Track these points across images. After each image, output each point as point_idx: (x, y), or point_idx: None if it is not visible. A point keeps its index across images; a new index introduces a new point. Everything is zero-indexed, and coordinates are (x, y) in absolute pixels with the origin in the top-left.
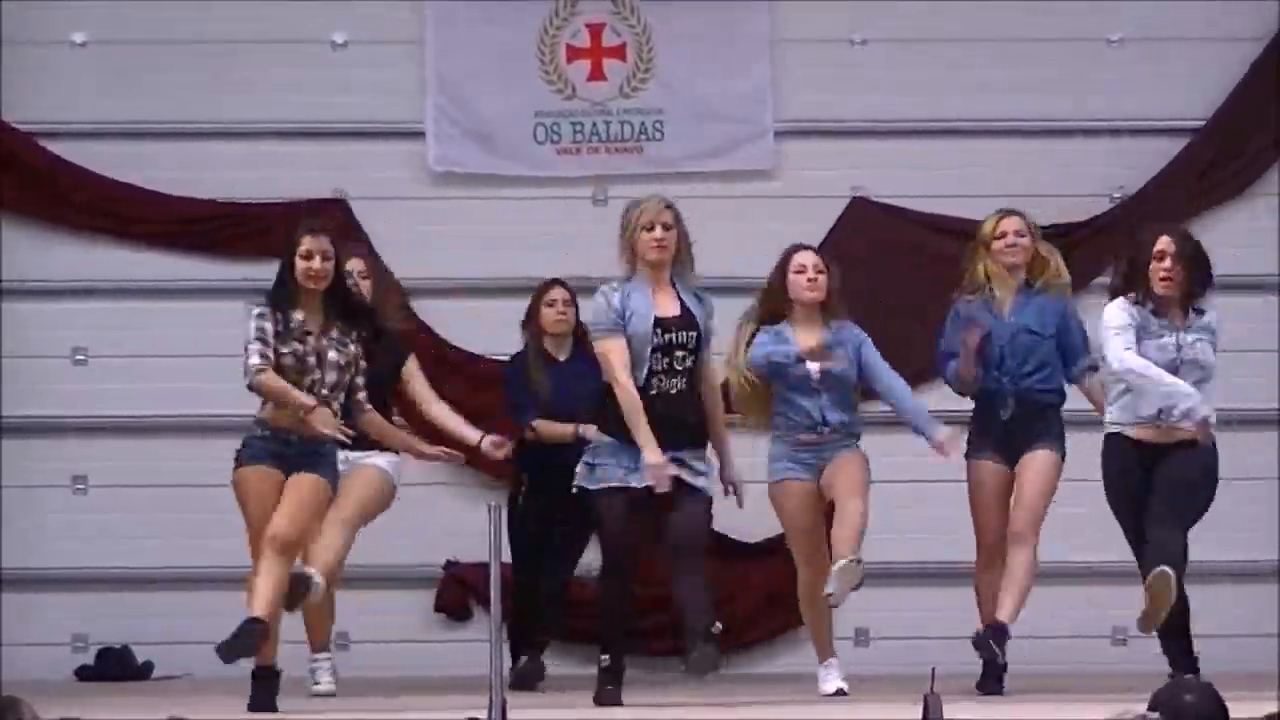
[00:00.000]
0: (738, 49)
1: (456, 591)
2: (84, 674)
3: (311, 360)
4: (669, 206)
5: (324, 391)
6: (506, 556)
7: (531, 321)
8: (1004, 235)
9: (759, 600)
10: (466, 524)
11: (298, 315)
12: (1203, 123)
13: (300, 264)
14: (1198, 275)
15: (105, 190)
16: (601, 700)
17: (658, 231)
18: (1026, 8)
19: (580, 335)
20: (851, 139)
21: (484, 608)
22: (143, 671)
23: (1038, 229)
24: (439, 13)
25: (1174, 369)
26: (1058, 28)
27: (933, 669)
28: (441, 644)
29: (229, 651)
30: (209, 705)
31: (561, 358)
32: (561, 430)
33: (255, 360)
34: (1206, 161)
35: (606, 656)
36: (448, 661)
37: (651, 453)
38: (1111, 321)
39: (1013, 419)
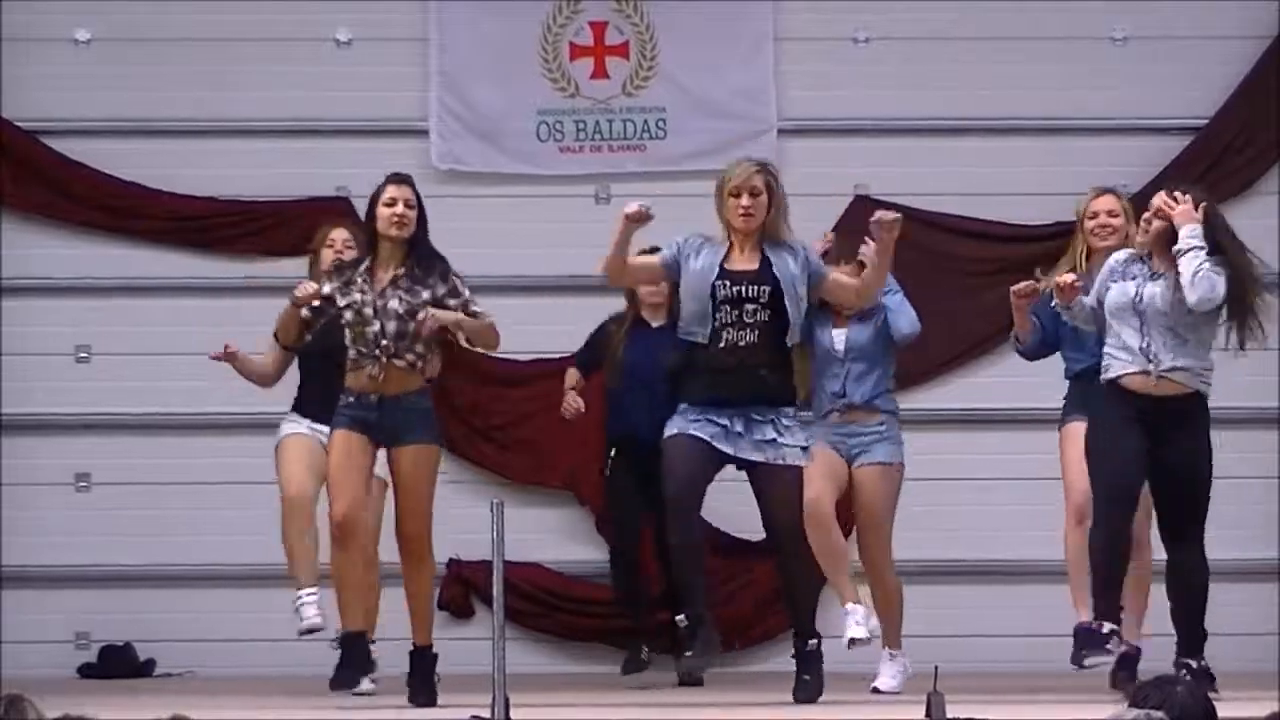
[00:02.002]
0: (741, 47)
1: (459, 589)
2: (86, 671)
3: (369, 311)
4: (760, 170)
5: (384, 342)
6: (510, 554)
7: (630, 291)
8: (1095, 215)
9: (762, 598)
10: (469, 521)
11: (365, 266)
12: (1206, 121)
13: (383, 211)
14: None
15: (107, 187)
16: (685, 679)
17: (745, 199)
18: (1030, 6)
19: (675, 306)
20: (854, 137)
21: (487, 605)
22: (145, 669)
23: (1130, 209)
24: (442, 10)
25: (1139, 315)
26: (1062, 26)
27: (935, 667)
28: (444, 641)
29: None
30: (211, 703)
31: (655, 324)
32: (568, 379)
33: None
34: (1210, 160)
35: (684, 616)
36: (450, 659)
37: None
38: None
39: None
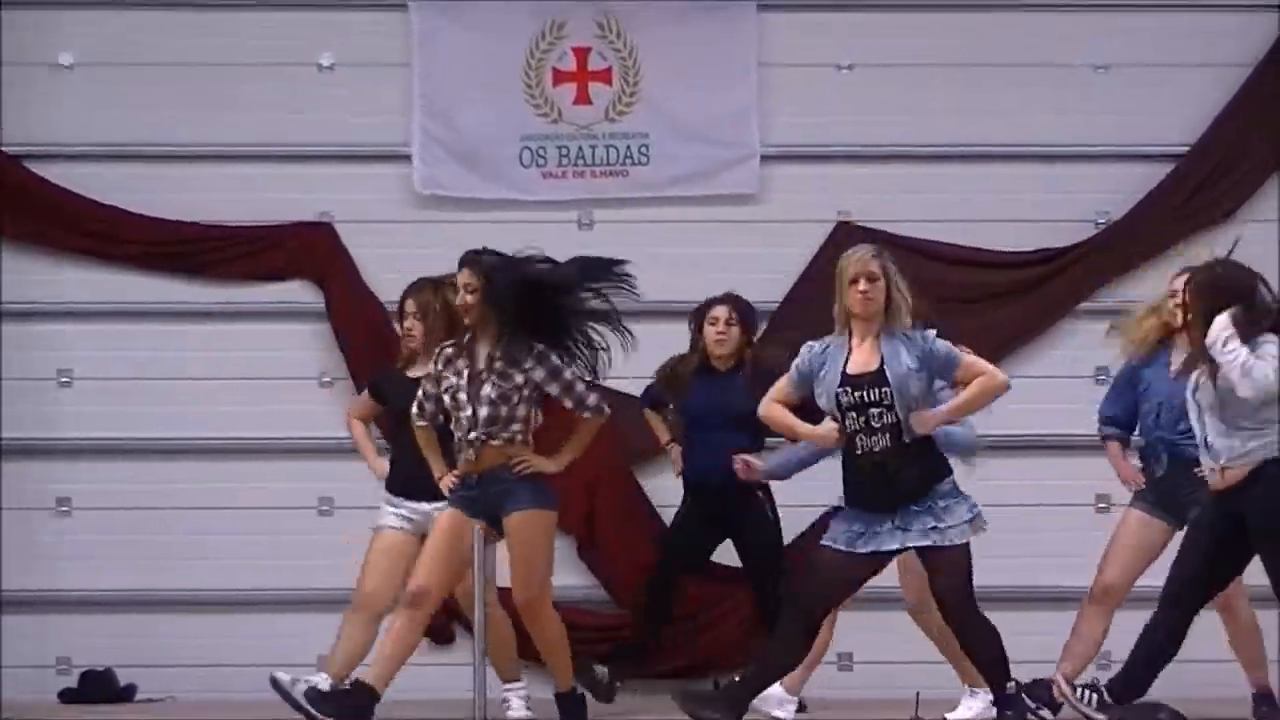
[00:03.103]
0: (724, 73)
1: (441, 615)
2: (67, 696)
3: (463, 396)
4: (876, 256)
5: (474, 431)
6: (499, 580)
7: (696, 333)
8: (1175, 295)
9: (747, 624)
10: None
11: (467, 348)
12: (1187, 148)
13: (459, 297)
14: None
15: (91, 212)
16: None
17: (862, 284)
18: (1013, 33)
19: (744, 350)
20: (837, 164)
21: (467, 631)
22: (125, 694)
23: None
24: (425, 36)
25: (1197, 405)
26: (1044, 53)
27: (917, 693)
28: (425, 667)
29: None
30: None
31: (723, 369)
32: (656, 426)
33: (413, 410)
34: (1191, 187)
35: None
36: (431, 685)
37: (817, 430)
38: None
39: (1166, 475)
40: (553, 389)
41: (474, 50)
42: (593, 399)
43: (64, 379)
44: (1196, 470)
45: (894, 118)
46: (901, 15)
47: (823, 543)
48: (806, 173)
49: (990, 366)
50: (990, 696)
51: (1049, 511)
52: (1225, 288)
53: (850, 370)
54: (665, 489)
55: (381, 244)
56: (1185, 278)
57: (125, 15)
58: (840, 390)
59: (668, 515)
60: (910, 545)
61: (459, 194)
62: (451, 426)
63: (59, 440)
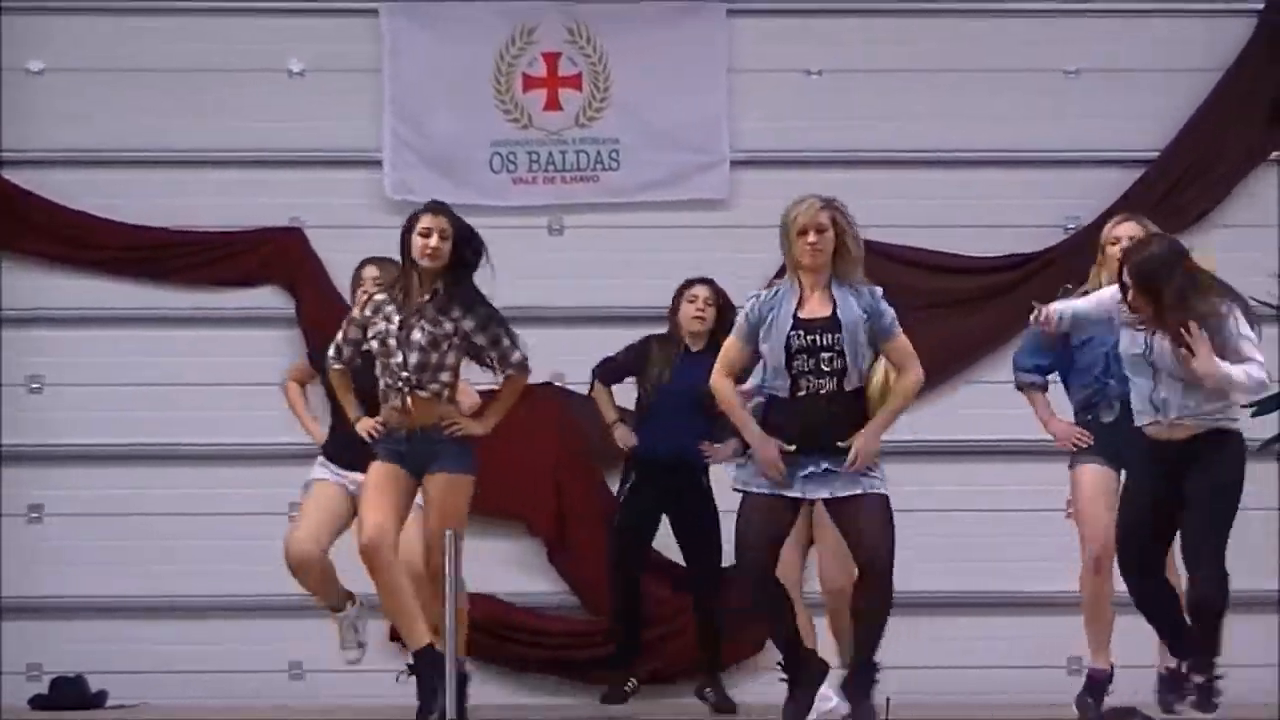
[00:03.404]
0: (694, 79)
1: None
2: (38, 703)
3: (393, 342)
4: (825, 207)
5: (405, 374)
6: (472, 586)
7: (673, 314)
8: (1118, 241)
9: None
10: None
11: (397, 293)
12: (1158, 153)
13: (417, 240)
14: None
15: (61, 218)
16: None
17: (811, 236)
18: (983, 39)
19: (718, 333)
20: (807, 169)
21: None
22: (97, 700)
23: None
24: (396, 41)
25: (1151, 365)
26: (1014, 59)
27: (887, 699)
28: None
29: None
30: None
31: (695, 348)
32: (603, 403)
33: (329, 352)
34: (1161, 192)
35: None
36: (403, 690)
37: (761, 443)
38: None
39: (1116, 422)
40: (480, 339)
41: (444, 55)
42: (517, 355)
43: (34, 385)
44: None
45: (864, 123)
46: (871, 20)
47: (744, 489)
48: (777, 178)
49: (914, 359)
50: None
51: (1018, 517)
52: (1161, 263)
53: (802, 315)
54: None
55: (352, 249)
56: (1126, 226)
57: (96, 21)
58: (793, 333)
59: None
60: (839, 494)
61: (429, 199)
62: (378, 373)
63: (30, 446)
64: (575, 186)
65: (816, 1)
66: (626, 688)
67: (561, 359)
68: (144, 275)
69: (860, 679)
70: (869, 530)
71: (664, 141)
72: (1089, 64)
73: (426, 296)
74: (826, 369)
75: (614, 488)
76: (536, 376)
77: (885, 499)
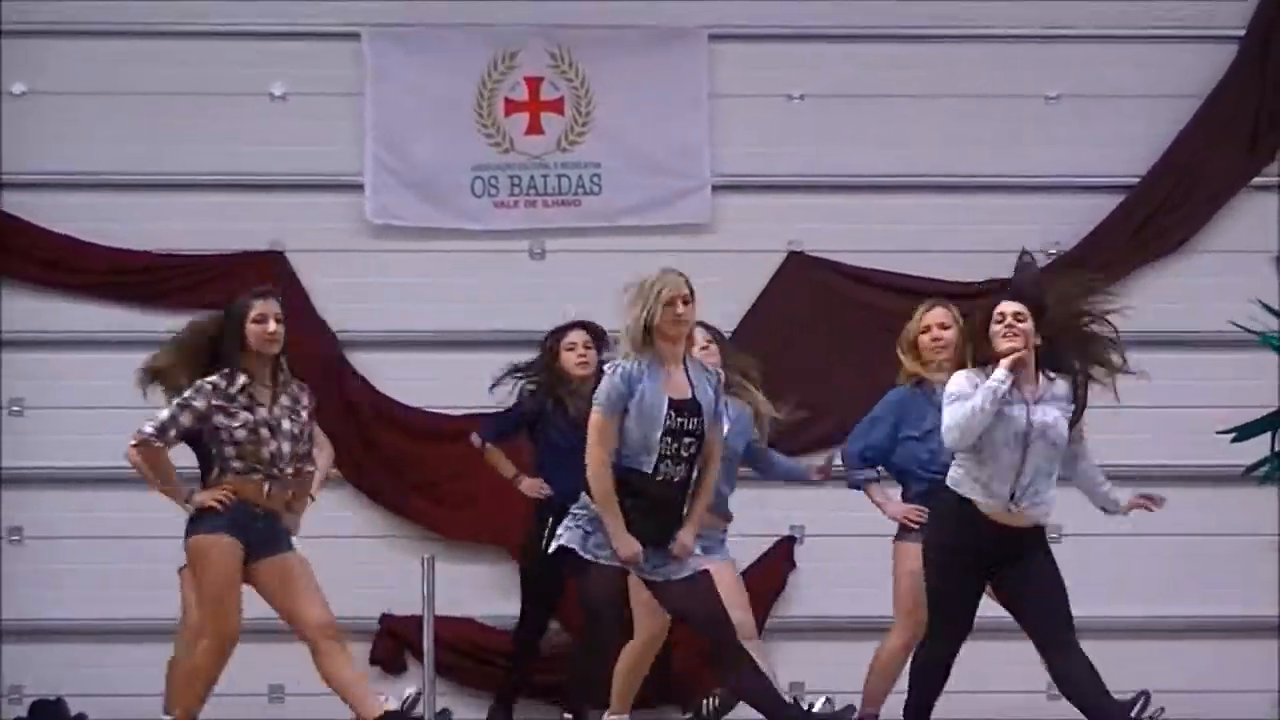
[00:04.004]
0: (676, 103)
1: (391, 644)
2: None
3: (266, 432)
4: (687, 281)
5: (281, 464)
6: (442, 609)
7: (553, 361)
8: (928, 329)
9: (698, 655)
10: (401, 576)
11: (240, 381)
12: (1139, 179)
13: (254, 328)
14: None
15: (41, 241)
16: None
17: (679, 307)
18: (965, 65)
19: (598, 372)
20: (789, 194)
21: (418, 660)
22: None
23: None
24: (378, 65)
25: (1024, 444)
26: (996, 85)
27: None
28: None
29: None
30: None
31: (584, 391)
32: (504, 466)
33: (148, 429)
34: (1142, 218)
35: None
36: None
37: (624, 541)
38: (951, 389)
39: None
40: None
41: (426, 80)
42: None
43: (15, 408)
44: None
45: (845, 148)
46: (852, 46)
47: (586, 556)
48: (758, 203)
49: (719, 450)
50: None
51: None
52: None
53: (672, 394)
54: None
55: (333, 273)
56: (936, 313)
57: (78, 44)
58: (667, 414)
59: None
60: (664, 578)
61: (411, 223)
62: (234, 459)
63: (11, 469)
64: (557, 210)
65: (798, 26)
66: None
67: None
68: (127, 299)
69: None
70: (703, 610)
71: (646, 166)
72: (1070, 89)
73: (280, 386)
74: (685, 454)
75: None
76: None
77: (706, 573)
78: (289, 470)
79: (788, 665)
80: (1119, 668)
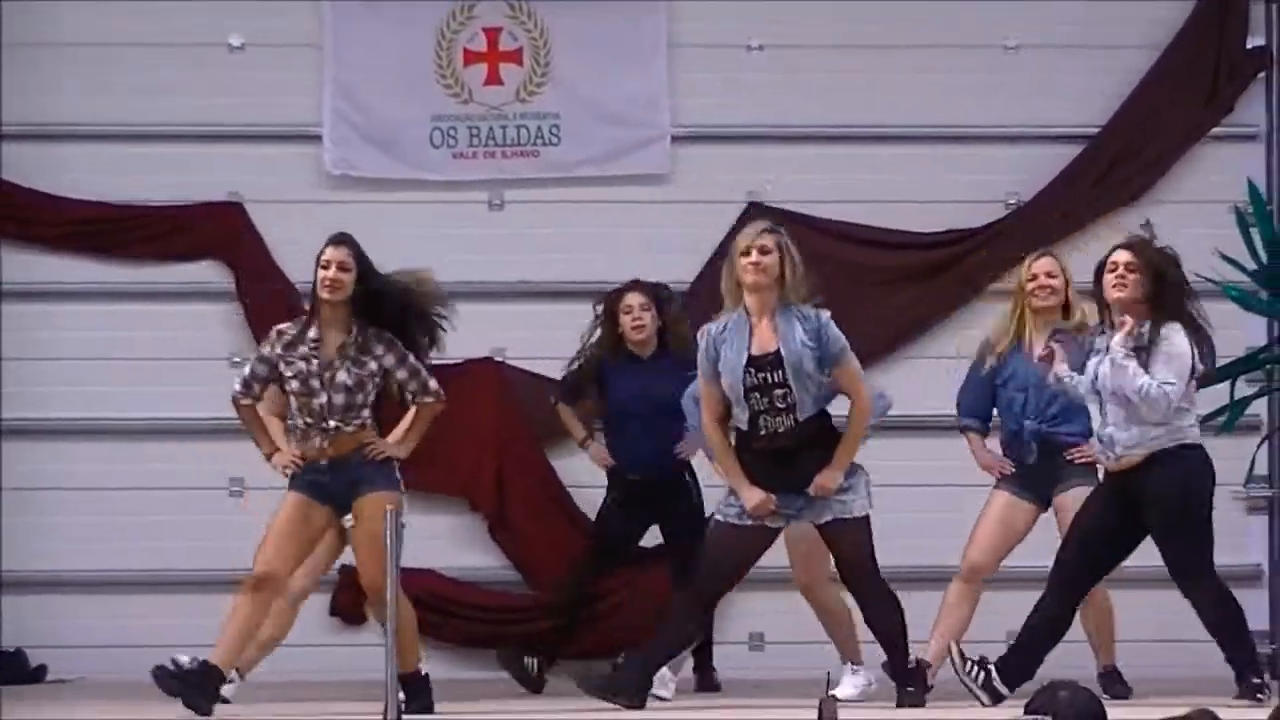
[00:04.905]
0: (634, 54)
1: (352, 596)
2: None
3: (316, 383)
4: (770, 231)
5: (329, 419)
6: (405, 560)
7: (613, 326)
8: (1035, 277)
9: (652, 608)
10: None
11: (313, 332)
12: (1098, 129)
13: (320, 273)
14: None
15: (2, 193)
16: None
17: (753, 255)
18: (923, 14)
19: (664, 334)
20: (747, 144)
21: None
22: (36, 675)
23: (1070, 272)
24: (336, 16)
25: (1098, 395)
26: (955, 34)
27: (828, 674)
28: (337, 648)
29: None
30: (102, 708)
31: (645, 355)
32: (574, 427)
33: (236, 386)
34: (1102, 168)
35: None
36: (343, 665)
37: (748, 493)
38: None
39: (1037, 465)
40: (401, 374)
41: (384, 30)
42: (434, 384)
43: None
44: (1068, 454)
45: (804, 98)
46: None
47: (716, 516)
48: (717, 153)
49: (862, 384)
50: (871, 674)
51: (956, 491)
52: (1169, 264)
53: (754, 351)
54: (576, 469)
55: (291, 224)
56: (1043, 262)
57: None
58: (746, 372)
59: (579, 494)
60: (813, 521)
61: (369, 174)
62: (296, 411)
63: None
64: (515, 161)
65: None
66: (531, 670)
67: (501, 334)
68: (82, 250)
69: (898, 667)
70: (848, 557)
71: (604, 116)
72: (1029, 40)
73: (348, 336)
74: (781, 405)
75: (554, 461)
76: (477, 351)
77: (860, 522)
78: (334, 423)
79: (747, 616)
80: (1016, 618)
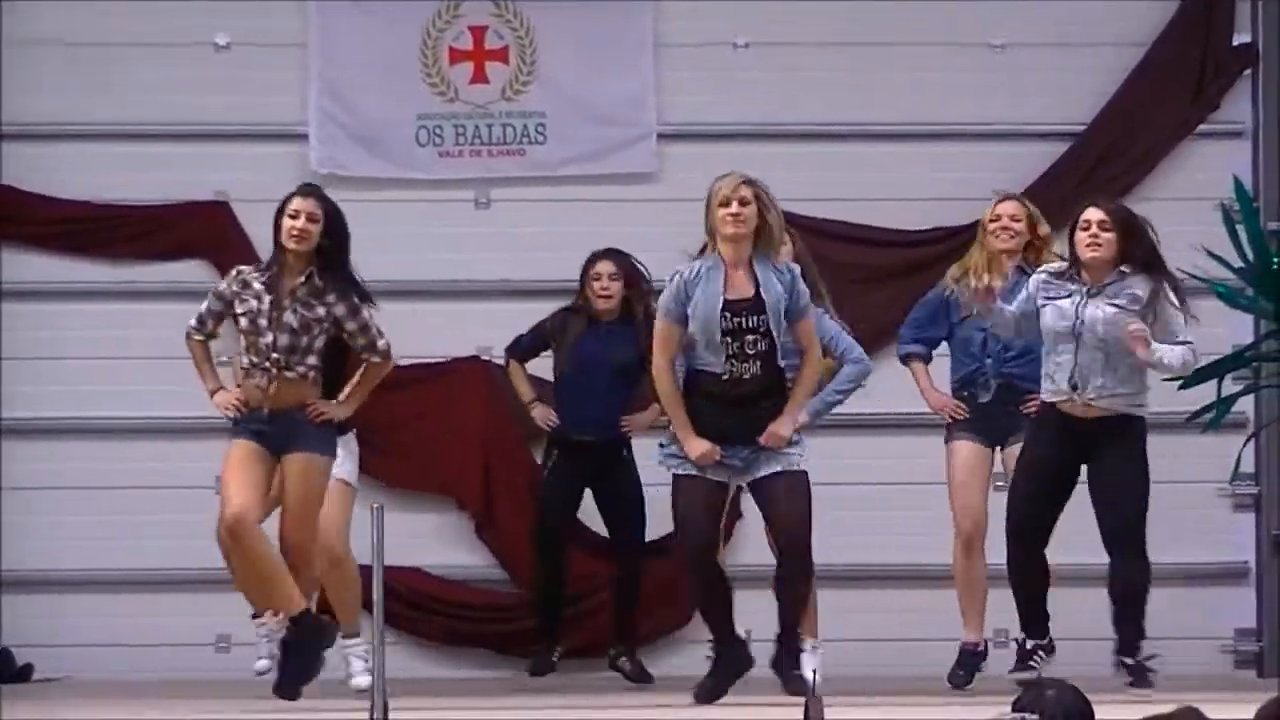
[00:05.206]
0: (620, 52)
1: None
2: None
3: (264, 321)
4: (748, 182)
5: (274, 355)
6: (390, 559)
7: (582, 289)
8: (998, 218)
9: (648, 600)
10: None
11: (269, 274)
12: (1084, 127)
13: (286, 222)
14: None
15: None
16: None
17: (733, 206)
18: (911, 11)
19: (629, 301)
20: (734, 142)
21: (366, 610)
22: (23, 674)
23: (1038, 215)
24: (322, 15)
25: (1075, 339)
26: (942, 32)
27: (813, 672)
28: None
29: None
30: (89, 707)
31: (607, 320)
32: (521, 386)
33: (191, 322)
34: (1088, 166)
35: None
36: (330, 665)
37: (693, 442)
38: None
39: (991, 402)
40: (350, 325)
41: (370, 29)
42: (383, 343)
43: None
44: (1024, 406)
45: (791, 96)
46: None
47: (676, 472)
48: (703, 151)
49: (816, 342)
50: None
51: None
52: (1141, 228)
53: (729, 295)
54: None
55: None
56: (1007, 204)
57: None
58: (722, 316)
59: None
60: (761, 475)
61: (355, 173)
62: (244, 351)
63: None
64: (501, 160)
65: None
66: (553, 657)
67: (488, 333)
68: (69, 250)
69: (788, 652)
70: (786, 509)
71: (591, 115)
72: (1016, 38)
73: (300, 279)
74: (751, 352)
75: (539, 460)
76: (463, 350)
77: (803, 476)
78: (280, 364)
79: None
80: (1075, 617)
